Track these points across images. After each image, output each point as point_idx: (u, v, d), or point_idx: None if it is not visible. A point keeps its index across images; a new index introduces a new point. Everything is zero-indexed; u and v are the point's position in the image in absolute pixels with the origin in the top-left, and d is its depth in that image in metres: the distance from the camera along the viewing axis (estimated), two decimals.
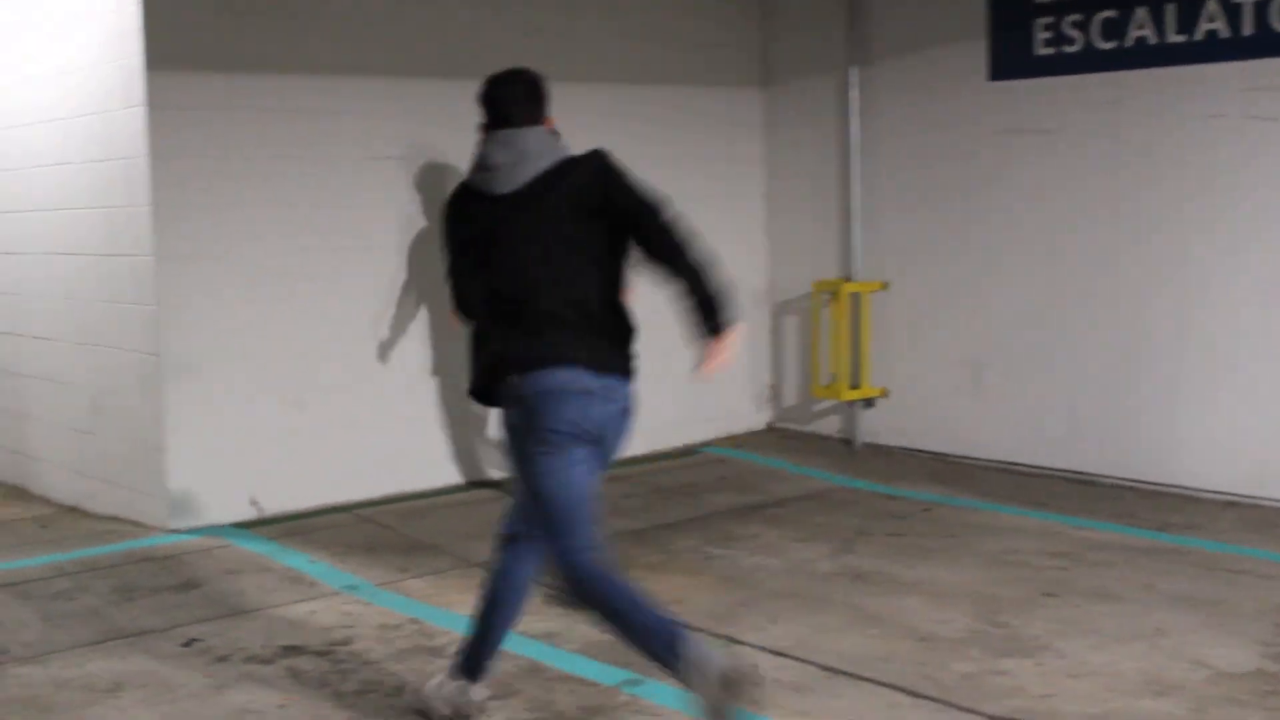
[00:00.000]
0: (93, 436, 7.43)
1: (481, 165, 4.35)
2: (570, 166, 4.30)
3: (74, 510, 7.56)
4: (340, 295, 7.41)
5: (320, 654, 5.16)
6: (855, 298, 8.77)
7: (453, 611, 5.63)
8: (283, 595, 5.89)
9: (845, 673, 4.88)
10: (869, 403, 8.86)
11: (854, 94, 8.69)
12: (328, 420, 7.37)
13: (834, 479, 8.12)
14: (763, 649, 5.13)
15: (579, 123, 8.39)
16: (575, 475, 4.26)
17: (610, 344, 4.51)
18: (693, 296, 4.37)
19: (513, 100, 4.39)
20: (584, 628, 5.40)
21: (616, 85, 8.56)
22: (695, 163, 8.98)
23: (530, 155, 4.28)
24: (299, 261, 7.24)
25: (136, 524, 7.10)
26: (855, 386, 8.79)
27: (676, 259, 4.32)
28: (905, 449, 8.72)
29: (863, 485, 7.94)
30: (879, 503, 7.53)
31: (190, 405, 6.89)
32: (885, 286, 8.72)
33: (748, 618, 5.51)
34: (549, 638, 5.32)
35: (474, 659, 4.50)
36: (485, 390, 4.38)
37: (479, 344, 4.38)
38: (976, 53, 8.13)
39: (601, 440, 4.37)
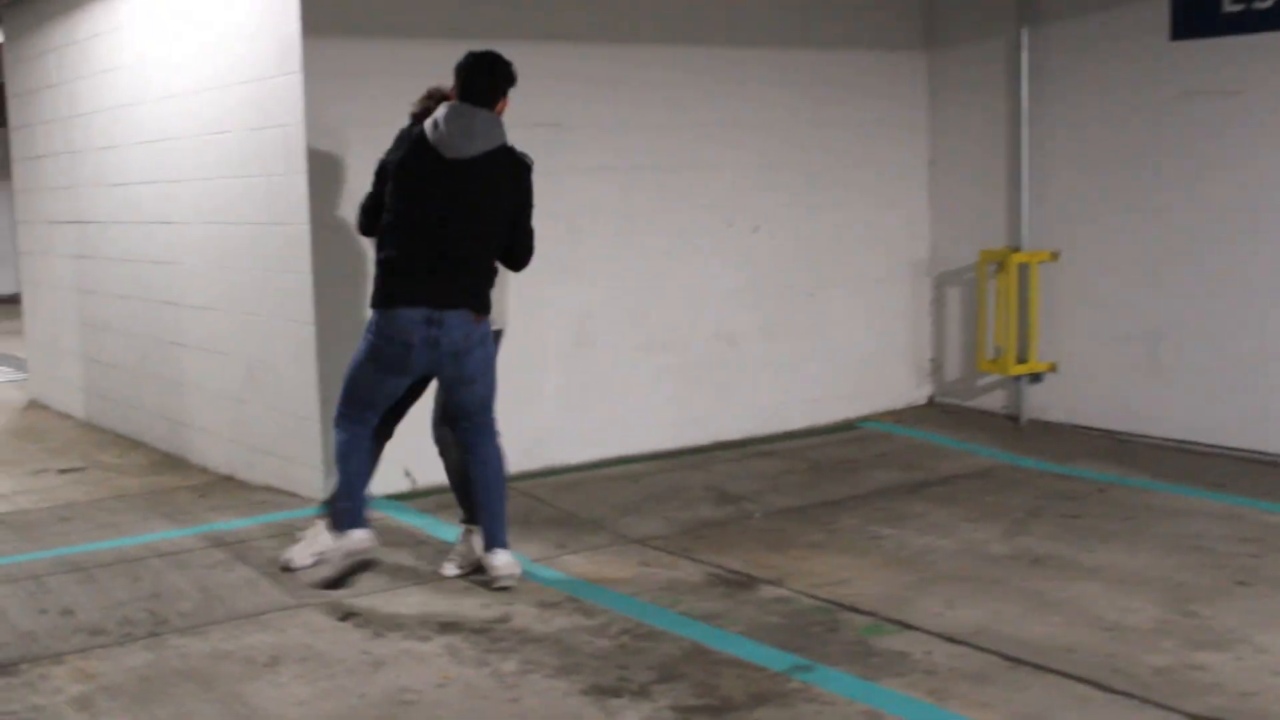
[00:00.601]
0: (249, 406, 7.42)
1: (436, 126, 5.30)
2: (506, 159, 5.40)
3: (230, 479, 7.56)
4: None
5: (478, 631, 5.03)
6: (1023, 268, 8.42)
7: (613, 590, 5.47)
8: (439, 570, 5.78)
9: (1029, 663, 4.61)
10: (1036, 377, 8.51)
11: (1024, 56, 8.32)
12: None
13: (1001, 456, 7.81)
14: (940, 636, 4.88)
15: (740, 89, 8.22)
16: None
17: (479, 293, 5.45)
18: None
19: (481, 82, 5.38)
20: (750, 609, 5.21)
21: (777, 50, 8.31)
22: (855, 128, 8.71)
23: (477, 135, 5.31)
24: None
25: (291, 494, 7.06)
26: (1022, 360, 8.45)
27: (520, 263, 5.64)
28: (1074, 426, 8.36)
29: (1032, 463, 7.61)
30: (1050, 482, 7.20)
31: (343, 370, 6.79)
32: (1054, 256, 8.36)
33: (921, 602, 5.26)
34: (712, 618, 5.12)
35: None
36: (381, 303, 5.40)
37: (387, 270, 5.37)
38: (1157, 10, 7.71)
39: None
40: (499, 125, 5.39)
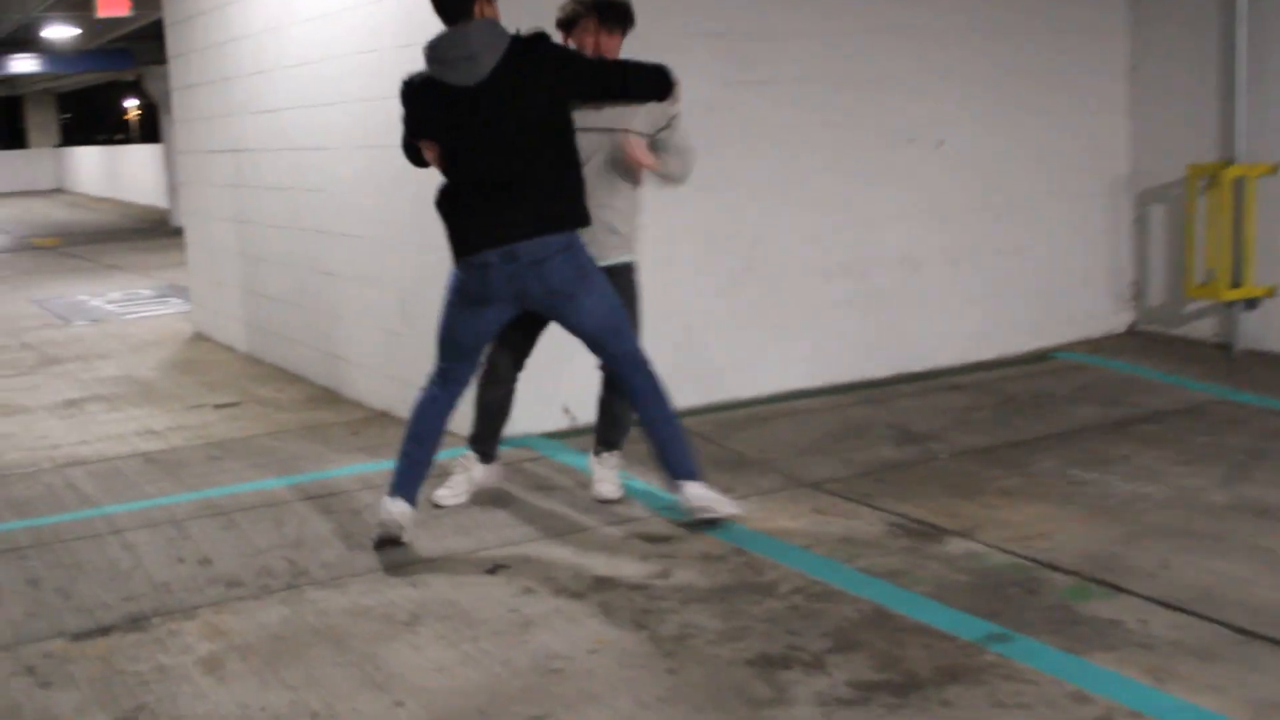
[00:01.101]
0: (402, 339, 7.07)
1: (436, 59, 4.87)
2: (516, 57, 4.79)
3: (384, 416, 7.24)
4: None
5: (636, 588, 4.59)
6: (1239, 183, 7.63)
7: (784, 541, 4.98)
8: (596, 517, 5.36)
9: (1264, 636, 4.00)
10: (1252, 303, 7.74)
11: None
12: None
13: (1214, 390, 7.09)
14: (1156, 601, 4.29)
15: None
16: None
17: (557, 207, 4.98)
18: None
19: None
20: (937, 566, 4.68)
21: None
22: (1046, 33, 8.00)
23: (478, 52, 4.78)
24: None
25: (447, 432, 6.69)
26: (1236, 285, 7.69)
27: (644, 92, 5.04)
28: None
29: (1249, 399, 6.89)
30: (1272, 420, 6.49)
31: None
32: (1275, 170, 7.55)
33: (1132, 559, 4.67)
34: (894, 576, 4.61)
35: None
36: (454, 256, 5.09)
37: (447, 221, 5.08)
38: None
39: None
40: (495, 28, 4.83)
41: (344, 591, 4.68)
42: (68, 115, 52.15)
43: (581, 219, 4.98)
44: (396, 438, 6.62)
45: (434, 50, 4.87)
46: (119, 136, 54.75)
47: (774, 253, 7.19)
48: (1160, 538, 4.90)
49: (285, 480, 6.05)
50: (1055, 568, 4.63)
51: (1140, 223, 8.34)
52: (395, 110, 6.84)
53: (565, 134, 4.93)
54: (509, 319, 5.14)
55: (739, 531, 5.11)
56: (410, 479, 5.17)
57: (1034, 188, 8.05)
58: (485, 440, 5.64)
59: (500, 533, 5.22)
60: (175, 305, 12.29)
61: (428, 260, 6.68)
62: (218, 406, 7.81)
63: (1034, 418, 6.68)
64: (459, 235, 5.02)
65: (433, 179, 6.52)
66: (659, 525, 5.23)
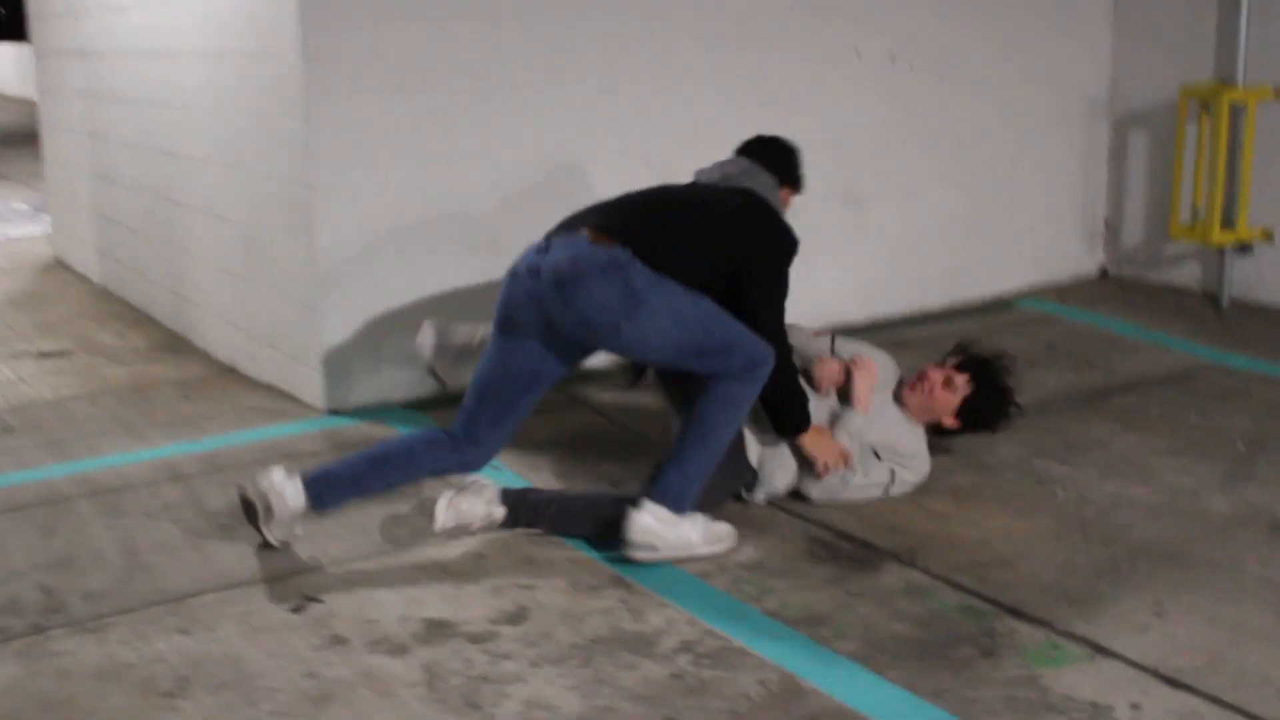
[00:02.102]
0: (248, 285, 5.93)
1: None
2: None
3: (231, 372, 6.12)
4: (557, 105, 5.65)
5: (476, 639, 3.53)
6: (1237, 109, 6.56)
7: (677, 566, 3.93)
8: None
9: None
10: (1245, 248, 6.71)
11: None
12: None
13: (1201, 352, 6.07)
14: (1152, 672, 3.27)
15: None
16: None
17: None
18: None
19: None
20: (866, 608, 3.64)
21: None
22: None
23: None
24: (495, 67, 5.50)
25: (292, 399, 5.60)
26: (1228, 226, 6.64)
27: None
28: None
29: (1243, 363, 5.88)
30: (1271, 391, 5.49)
31: (349, 250, 5.28)
32: (1278, 95, 6.50)
33: (1117, 599, 3.65)
34: (813, 624, 3.57)
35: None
36: None
37: None
38: None
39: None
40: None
41: (102, 639, 3.59)
42: None
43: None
44: (231, 405, 5.60)
45: None
46: None
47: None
48: (1151, 565, 3.88)
49: (75, 466, 4.92)
50: (1019, 613, 3.60)
51: (1118, 153, 7.26)
52: (232, 7, 5.69)
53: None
54: (555, 373, 4.07)
55: (618, 551, 4.05)
56: (337, 485, 4.06)
57: (997, 110, 6.96)
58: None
59: (331, 544, 4.13)
60: (46, 224, 11.04)
61: (268, 190, 5.55)
62: (42, 355, 6.65)
63: None
64: None
65: (279, 90, 5.40)
66: (527, 542, 4.16)
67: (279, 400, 5.60)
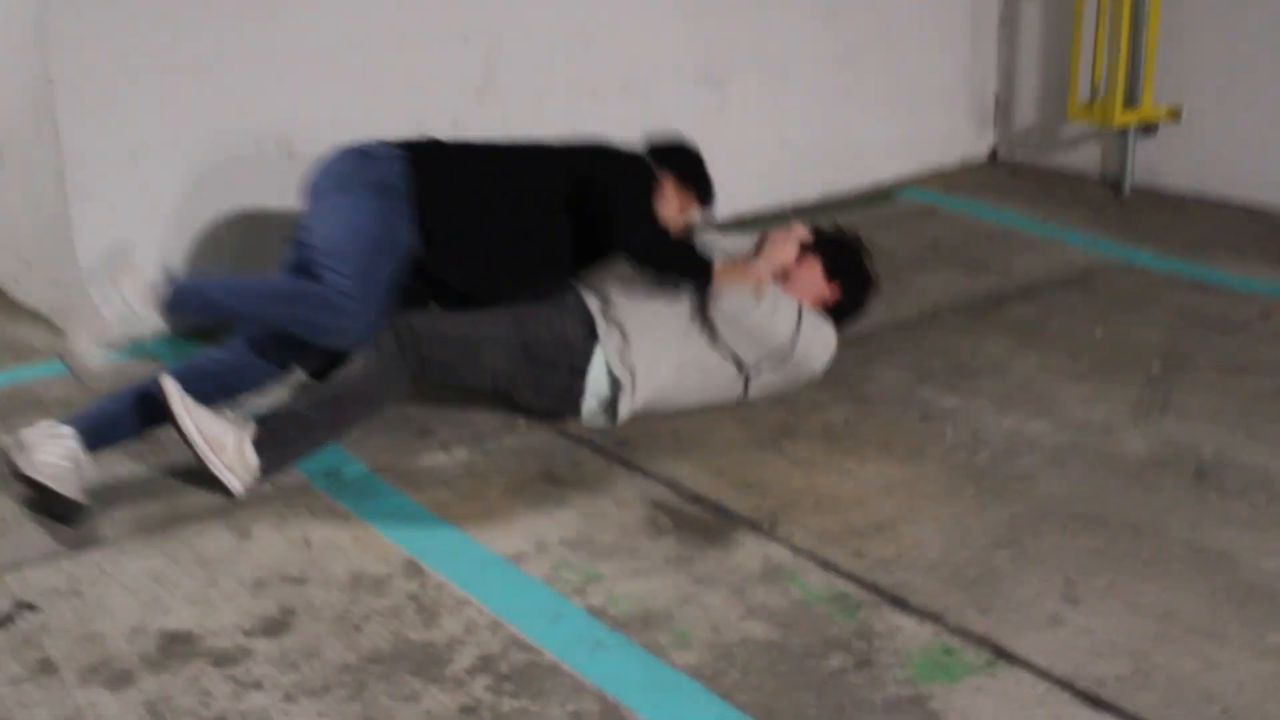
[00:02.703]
0: (3, 196, 5.02)
1: None
2: None
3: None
4: None
5: (221, 657, 2.77)
6: None
7: (480, 543, 3.18)
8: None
9: None
10: (1150, 129, 6.03)
11: None
12: None
13: (1102, 247, 5.41)
14: (1068, 686, 2.60)
15: None
16: None
17: None
18: None
19: None
20: (714, 597, 2.92)
21: None
22: None
23: None
24: None
25: (58, 331, 4.73)
26: (1132, 104, 5.94)
27: None
28: (1202, 198, 5.93)
29: (1149, 261, 5.22)
30: (1185, 296, 4.84)
31: (103, 159, 4.40)
32: None
33: (1020, 579, 2.98)
34: (647, 625, 2.85)
35: None
36: None
37: None
38: None
39: None
40: None
41: None
42: None
43: None
44: None
45: None
46: None
47: (517, 68, 5.21)
48: (1059, 529, 3.21)
49: None
50: (902, 603, 2.91)
51: (1009, 21, 6.52)
52: None
53: None
54: None
55: (416, 527, 3.30)
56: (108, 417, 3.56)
57: None
58: None
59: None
60: None
61: (7, 86, 4.63)
62: None
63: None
64: None
65: None
66: (307, 516, 3.39)
67: (41, 332, 4.71)
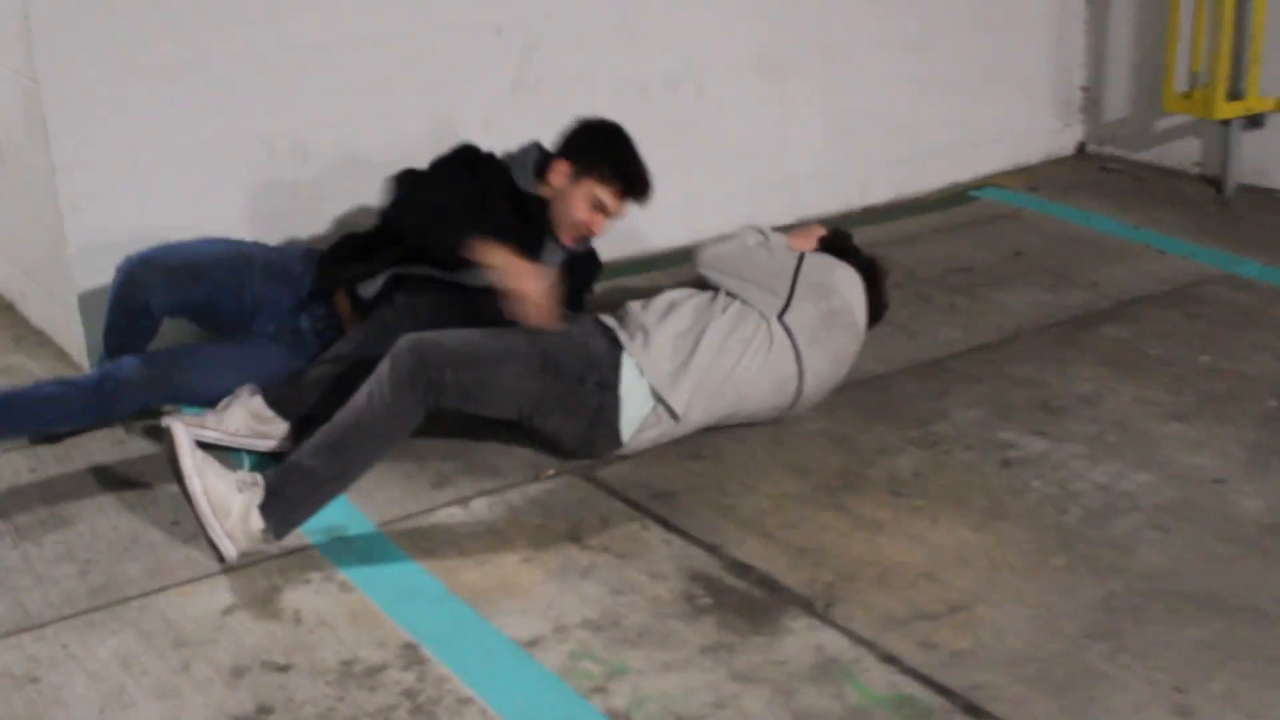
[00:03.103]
0: (3, 200, 4.66)
1: None
2: None
3: (9, 310, 4.84)
4: None
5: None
6: None
7: (492, 624, 2.77)
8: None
9: None
10: (1256, 121, 5.48)
11: None
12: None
13: (1205, 256, 4.89)
14: None
15: None
16: None
17: None
18: None
19: None
20: (754, 702, 2.50)
21: None
22: None
23: None
24: None
25: (55, 348, 4.37)
26: (1236, 96, 5.40)
27: None
28: None
29: (1259, 271, 4.72)
30: None
31: (98, 165, 4.00)
32: None
33: (1118, 683, 2.51)
34: None
35: None
36: None
37: None
38: None
39: None
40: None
41: None
42: None
43: None
44: None
45: None
46: None
47: (555, 62, 4.76)
48: (1166, 617, 2.74)
49: None
50: (981, 714, 2.46)
51: (1097, 3, 5.99)
52: None
53: None
54: None
55: (421, 601, 2.90)
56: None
57: None
58: None
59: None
60: None
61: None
62: None
63: (944, 312, 4.46)
64: None
65: None
66: (299, 581, 2.99)
67: (41, 354, 4.35)
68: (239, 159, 4.17)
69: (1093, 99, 6.10)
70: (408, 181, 3.65)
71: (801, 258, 3.61)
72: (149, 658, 2.72)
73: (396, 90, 4.39)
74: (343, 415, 3.20)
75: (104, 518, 3.26)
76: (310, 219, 4.30)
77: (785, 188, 5.33)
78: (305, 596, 2.92)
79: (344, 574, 3.00)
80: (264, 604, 2.90)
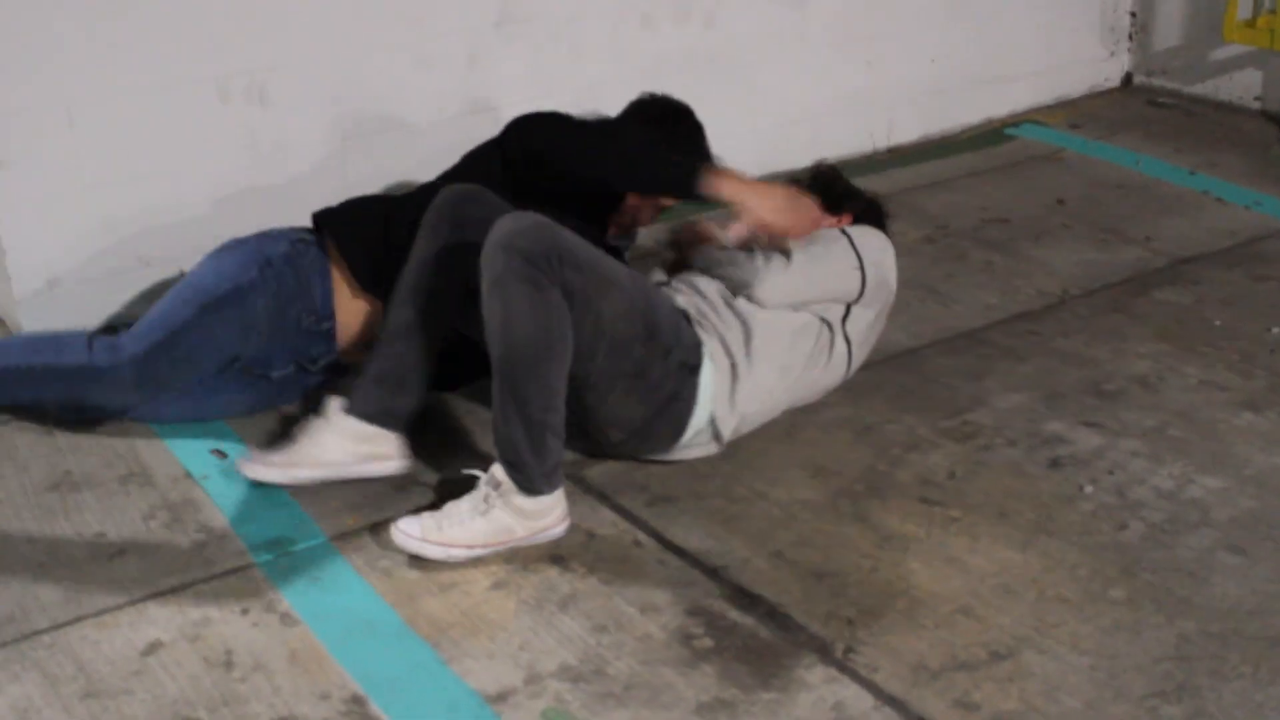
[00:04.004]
0: None
1: None
2: None
3: None
4: None
5: None
6: None
7: (472, 657, 2.36)
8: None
9: None
10: None
11: None
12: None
13: (1270, 205, 4.42)
14: None
15: None
16: None
17: None
18: None
19: None
20: None
21: None
22: None
23: None
24: None
25: None
26: None
27: None
28: None
29: None
30: None
31: (16, 108, 3.54)
32: None
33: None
34: None
35: None
36: None
37: None
38: None
39: None
40: None
41: None
42: None
43: None
44: None
45: None
46: None
47: None
48: (1251, 670, 2.32)
49: None
50: None
51: None
52: None
53: None
54: None
55: (373, 638, 2.48)
56: None
57: None
58: None
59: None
60: None
61: None
62: None
63: (979, 272, 4.00)
64: None
65: None
66: (236, 617, 2.58)
67: None
68: (187, 105, 3.69)
69: (1141, 25, 5.57)
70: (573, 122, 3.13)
71: (858, 251, 3.09)
72: (53, 712, 2.32)
73: (369, 22, 3.90)
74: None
75: (18, 525, 2.85)
76: (271, 174, 3.83)
77: (804, 123, 4.84)
78: (240, 632, 2.51)
79: (287, 602, 2.59)
80: (192, 640, 2.49)
